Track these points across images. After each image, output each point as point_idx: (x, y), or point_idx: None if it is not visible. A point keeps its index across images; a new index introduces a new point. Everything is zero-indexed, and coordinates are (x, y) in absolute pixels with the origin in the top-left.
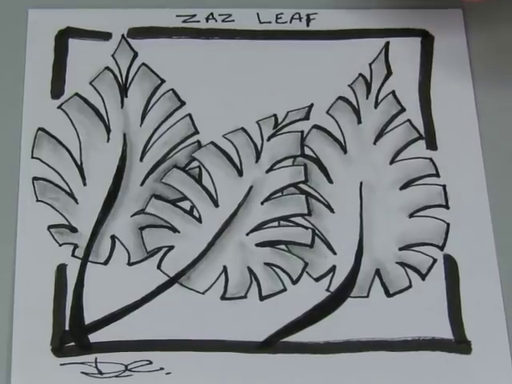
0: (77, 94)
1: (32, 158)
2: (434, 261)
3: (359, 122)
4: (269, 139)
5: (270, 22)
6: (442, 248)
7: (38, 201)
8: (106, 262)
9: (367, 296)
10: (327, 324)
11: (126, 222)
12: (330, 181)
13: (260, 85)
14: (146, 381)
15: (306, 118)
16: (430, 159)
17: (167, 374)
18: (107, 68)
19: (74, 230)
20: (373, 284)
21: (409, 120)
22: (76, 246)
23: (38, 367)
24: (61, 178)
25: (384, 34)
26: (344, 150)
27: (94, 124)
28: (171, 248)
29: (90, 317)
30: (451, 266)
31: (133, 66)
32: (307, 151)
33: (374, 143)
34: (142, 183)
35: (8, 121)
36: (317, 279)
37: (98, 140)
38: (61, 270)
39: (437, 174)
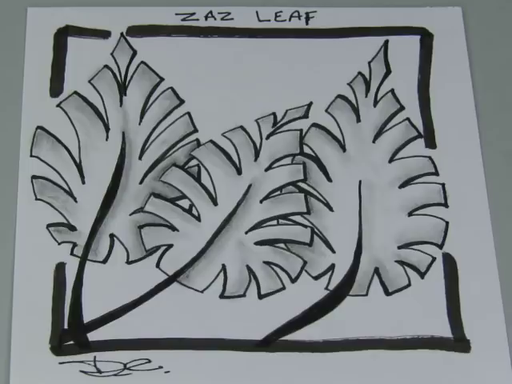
0: (76, 93)
1: (31, 156)
2: (433, 259)
3: (358, 120)
4: (268, 138)
5: (269, 20)
6: (441, 246)
7: (36, 199)
8: (104, 261)
9: (366, 294)
10: (326, 322)
11: (124, 221)
12: (329, 179)
13: (259, 83)
14: (145, 379)
15: (305, 116)
16: (429, 158)
17: (166, 372)
18: (106, 66)
19: (72, 228)
20: (372, 282)
21: (408, 118)
22: (75, 245)
23: (37, 366)
24: (60, 176)
25: (383, 33)
26: (343, 148)
27: (93, 122)
28: (170, 246)
29: (88, 315)
30: (450, 264)
31: (132, 65)
32: (306, 150)
33: (373, 141)
34: (141, 182)
35: (7, 119)
36: (316, 278)
37: (97, 138)
38: (60, 268)
39: (436, 173)
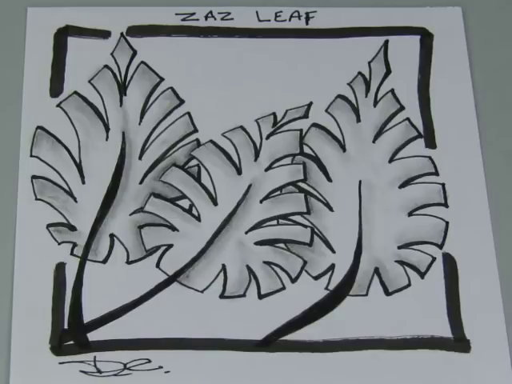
0: (76, 93)
1: (31, 156)
2: (433, 259)
3: (358, 120)
4: (268, 138)
5: (269, 20)
6: (441, 246)
7: (36, 199)
8: (104, 261)
9: (366, 294)
10: (326, 322)
11: (124, 221)
12: (329, 179)
13: (259, 83)
14: (145, 379)
15: (305, 116)
16: (429, 158)
17: (166, 372)
18: (106, 66)
19: (72, 228)
20: (372, 282)
21: (408, 118)
22: (75, 245)
23: (37, 366)
24: (60, 176)
25: (383, 33)
26: (343, 148)
27: (93, 122)
28: (170, 246)
29: (88, 315)
30: (450, 264)
31: (132, 65)
32: (306, 150)
33: (373, 142)
34: (141, 181)
35: (7, 119)
36: (316, 278)
37: (97, 138)
38: (60, 268)
39: (436, 173)
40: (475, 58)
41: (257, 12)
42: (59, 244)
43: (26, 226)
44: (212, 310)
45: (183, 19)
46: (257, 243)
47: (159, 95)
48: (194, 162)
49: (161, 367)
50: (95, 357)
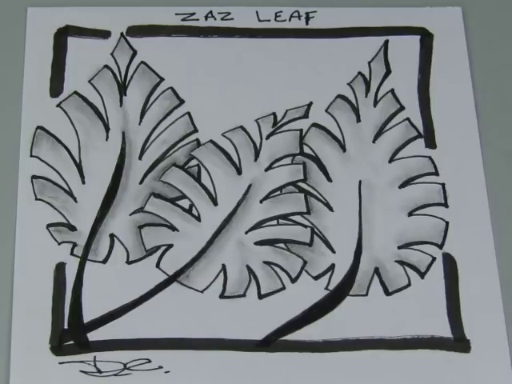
0: (76, 93)
1: (31, 156)
2: (433, 259)
3: (358, 120)
4: (268, 138)
5: (269, 20)
6: (441, 246)
7: (36, 199)
8: (104, 261)
9: (366, 294)
10: (326, 322)
11: (124, 221)
12: (329, 179)
13: (259, 83)
14: (145, 379)
15: (305, 116)
16: (429, 158)
17: (166, 372)
18: (106, 66)
19: (72, 228)
20: (372, 282)
21: (408, 118)
22: (75, 245)
23: (37, 366)
24: (60, 176)
25: (383, 33)
26: (343, 148)
27: (93, 122)
28: (170, 246)
29: (88, 315)
30: (450, 264)
31: (132, 65)
32: (306, 150)
33: (373, 142)
34: (141, 182)
35: (7, 119)
36: (316, 278)
37: (97, 138)
38: (60, 268)
39: (436, 173)
40: (475, 58)
41: (257, 12)
42: (59, 244)
43: (26, 226)
44: (212, 310)
45: (183, 19)
46: (257, 243)
47: (159, 95)
48: (194, 162)
49: (161, 367)
50: (95, 357)
